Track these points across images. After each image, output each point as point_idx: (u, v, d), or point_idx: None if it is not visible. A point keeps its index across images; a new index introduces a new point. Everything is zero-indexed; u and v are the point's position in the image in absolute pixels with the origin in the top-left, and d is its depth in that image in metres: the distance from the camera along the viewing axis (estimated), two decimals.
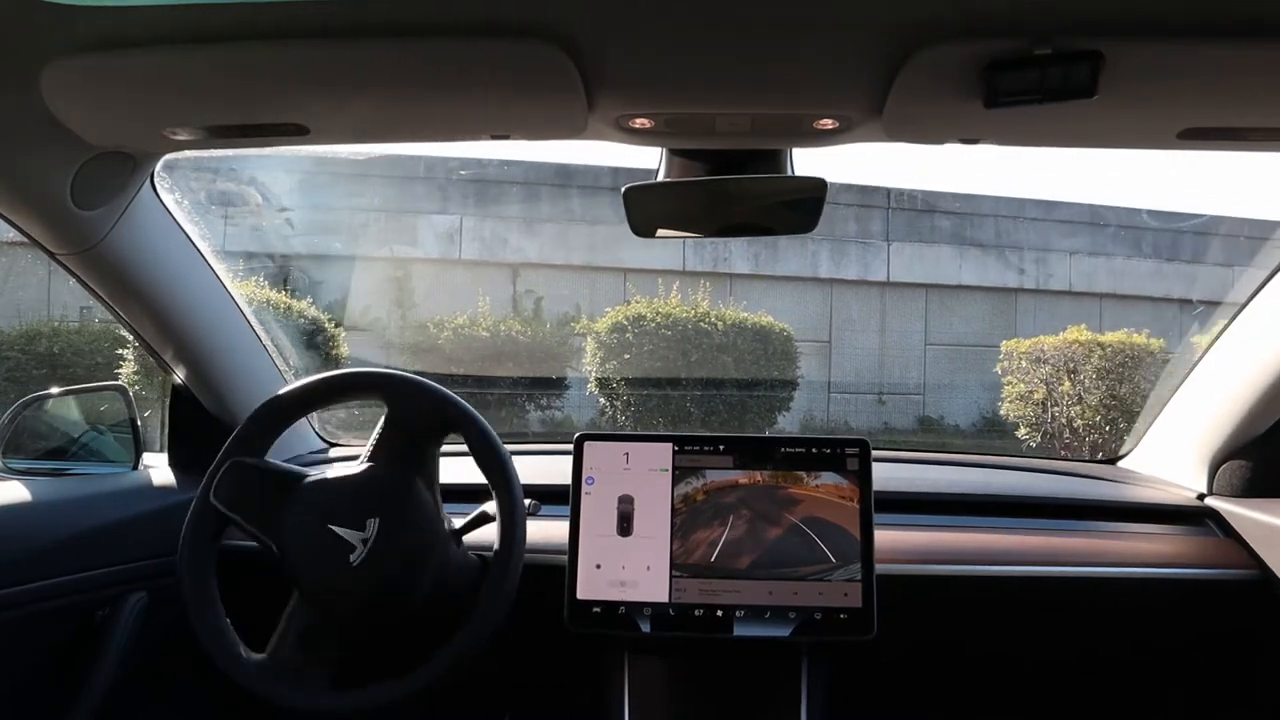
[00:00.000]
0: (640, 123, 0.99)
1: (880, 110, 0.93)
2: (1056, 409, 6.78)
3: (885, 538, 1.33)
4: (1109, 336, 6.92)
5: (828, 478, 1.31)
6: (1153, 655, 1.52)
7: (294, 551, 1.16)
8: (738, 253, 8.92)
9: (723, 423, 6.94)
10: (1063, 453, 6.63)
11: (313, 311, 6.61)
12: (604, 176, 8.84)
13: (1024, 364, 7.03)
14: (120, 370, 5.79)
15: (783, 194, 1.19)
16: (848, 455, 1.32)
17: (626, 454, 1.34)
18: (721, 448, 1.33)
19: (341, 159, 7.87)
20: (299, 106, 0.96)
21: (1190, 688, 1.54)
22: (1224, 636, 1.45)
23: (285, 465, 1.26)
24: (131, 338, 1.41)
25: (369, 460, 1.21)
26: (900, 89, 0.87)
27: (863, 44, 0.83)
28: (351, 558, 1.13)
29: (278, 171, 7.53)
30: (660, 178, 1.15)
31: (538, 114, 0.99)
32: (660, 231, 1.26)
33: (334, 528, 1.14)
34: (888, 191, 9.24)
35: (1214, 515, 1.47)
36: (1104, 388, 6.65)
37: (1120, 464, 1.73)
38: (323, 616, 1.16)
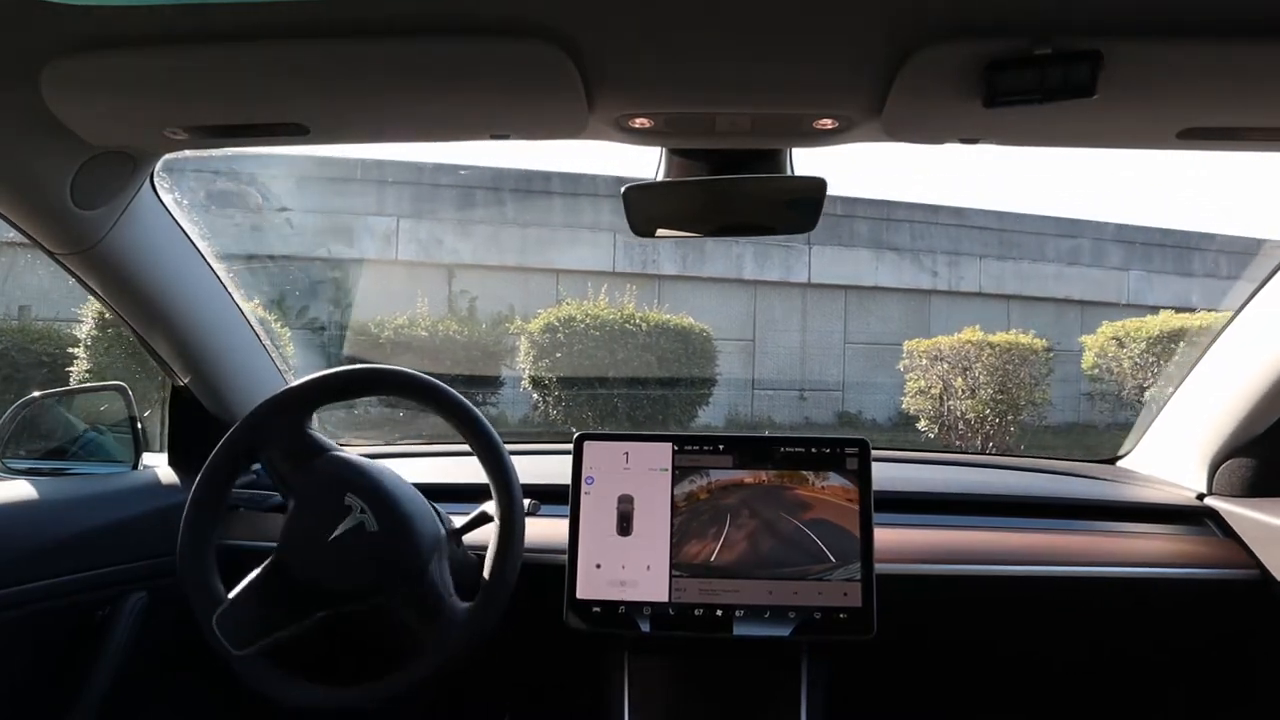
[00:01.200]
0: (640, 122, 0.99)
1: (880, 110, 0.93)
2: (952, 402, 7.27)
3: (885, 537, 1.33)
4: (997, 337, 7.50)
5: (827, 478, 1.31)
6: (1152, 654, 1.51)
7: (303, 507, 1.19)
8: (665, 255, 9.27)
9: (647, 417, 7.27)
10: (957, 442, 7.16)
11: (260, 313, 6.81)
12: (537, 180, 9.15)
13: (924, 362, 7.57)
14: (70, 370, 5.80)
15: (782, 194, 1.19)
16: (847, 455, 1.32)
17: (626, 454, 1.34)
18: (721, 447, 1.34)
19: (278, 160, 7.97)
20: (299, 106, 0.95)
21: (1189, 687, 1.53)
22: (1223, 636, 1.44)
23: (315, 436, 1.28)
24: (133, 337, 1.44)
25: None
26: (900, 89, 0.87)
27: (862, 43, 0.83)
28: (346, 528, 1.16)
29: (218, 174, 7.63)
30: (660, 177, 1.15)
31: (538, 114, 0.98)
32: (660, 231, 1.26)
33: (347, 496, 1.18)
34: None
35: (1213, 515, 1.47)
36: (993, 383, 7.18)
37: (1120, 464, 1.73)
38: (320, 605, 1.17)
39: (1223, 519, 1.45)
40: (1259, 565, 1.35)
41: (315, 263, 8.26)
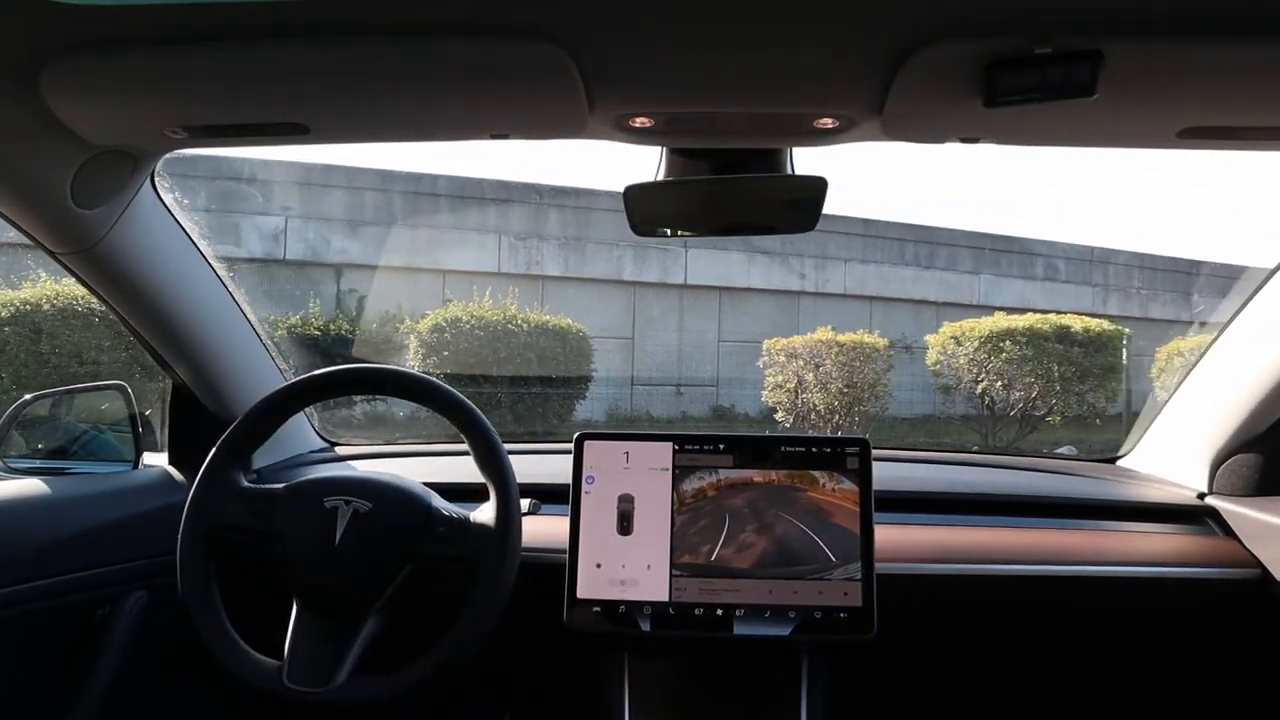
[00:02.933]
0: (640, 122, 0.99)
1: (880, 109, 0.93)
2: (805, 395, 7.95)
3: (885, 537, 1.32)
4: (845, 336, 8.29)
5: (828, 477, 1.31)
6: (1152, 654, 1.51)
7: (287, 527, 1.20)
8: (549, 256, 9.72)
9: (528, 410, 7.66)
10: (810, 431, 7.80)
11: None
12: (425, 182, 9.43)
13: (781, 359, 8.30)
14: None
15: (783, 193, 1.19)
16: (848, 454, 1.32)
17: (626, 453, 1.34)
18: (721, 447, 1.33)
19: (167, 160, 8.01)
20: (299, 106, 0.95)
21: (1190, 686, 1.53)
22: (1224, 635, 1.44)
23: (261, 488, 1.27)
24: (132, 336, 1.43)
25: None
26: (900, 88, 0.87)
27: (862, 43, 0.82)
28: (340, 528, 1.17)
29: None
30: (660, 177, 1.14)
31: (537, 113, 0.98)
32: (660, 230, 1.26)
33: (327, 500, 1.19)
34: None
35: (1214, 514, 1.46)
36: (841, 378, 7.91)
37: (1120, 463, 1.73)
38: (315, 604, 1.18)
39: (1223, 518, 1.45)
40: (1259, 564, 1.35)
41: None
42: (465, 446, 1.23)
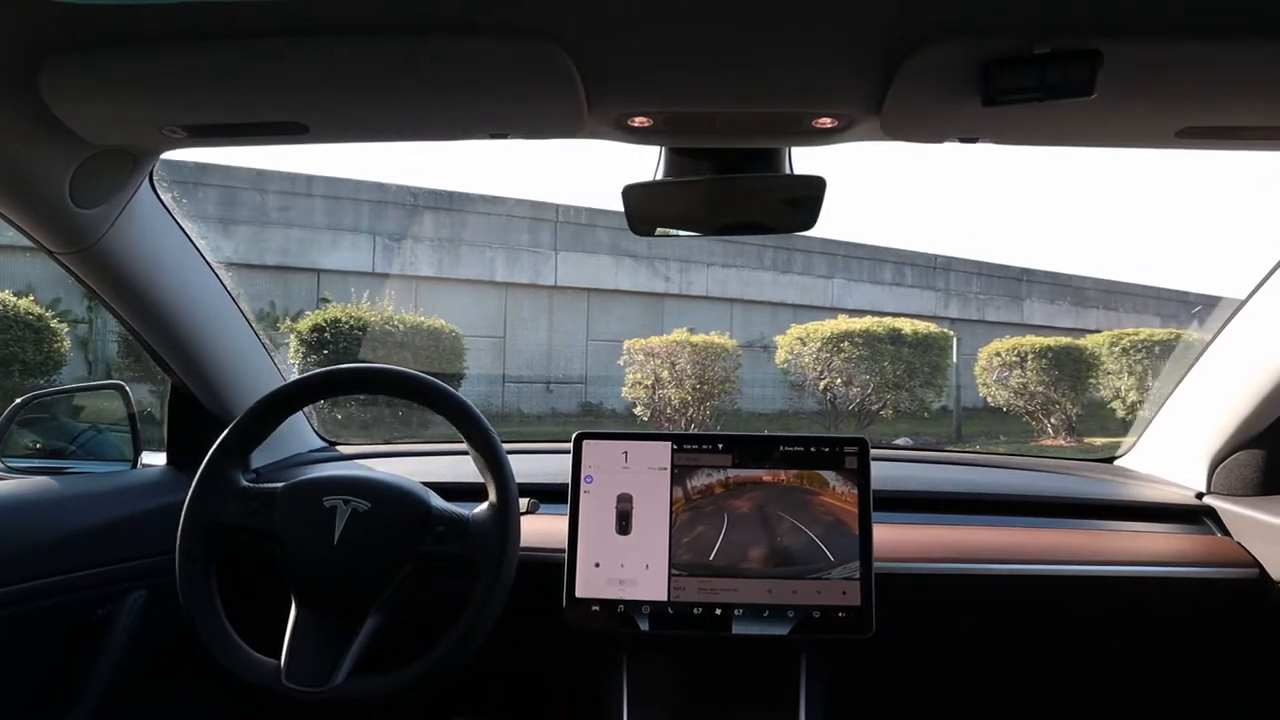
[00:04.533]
0: (639, 121, 0.99)
1: (879, 109, 0.93)
2: (662, 391, 8.54)
3: (883, 536, 1.32)
4: (698, 337, 8.93)
5: (826, 476, 1.31)
6: (1151, 653, 1.51)
7: (285, 527, 1.20)
8: (423, 258, 9.98)
9: (405, 406, 7.96)
10: (667, 426, 8.37)
11: (37, 309, 6.89)
12: (299, 182, 9.55)
13: (640, 357, 8.85)
14: None
15: (782, 192, 1.18)
16: (846, 454, 1.32)
17: (625, 452, 1.34)
18: (720, 446, 1.33)
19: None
20: (298, 105, 0.95)
21: (1188, 685, 1.53)
22: (1222, 635, 1.44)
23: (260, 487, 1.26)
24: (130, 336, 1.43)
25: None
26: (899, 87, 0.87)
27: (861, 42, 0.82)
28: (339, 527, 1.17)
29: None
30: (659, 176, 1.14)
31: (536, 113, 0.98)
32: (660, 230, 1.25)
33: (326, 499, 1.19)
34: (556, 207, 10.88)
35: (1212, 514, 1.47)
36: (695, 376, 8.58)
37: (1118, 462, 1.73)
38: (315, 601, 1.18)
39: (1221, 518, 1.45)
40: (1257, 564, 1.35)
41: None
42: (464, 446, 1.23)
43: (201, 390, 1.51)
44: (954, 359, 10.00)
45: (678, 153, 1.13)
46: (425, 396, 1.25)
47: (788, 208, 1.21)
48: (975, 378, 9.99)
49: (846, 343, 9.01)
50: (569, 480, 1.33)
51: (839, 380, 9.06)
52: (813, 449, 1.33)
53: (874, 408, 9.16)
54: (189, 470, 1.27)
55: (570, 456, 1.34)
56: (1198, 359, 1.52)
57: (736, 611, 1.27)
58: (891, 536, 1.37)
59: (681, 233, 1.34)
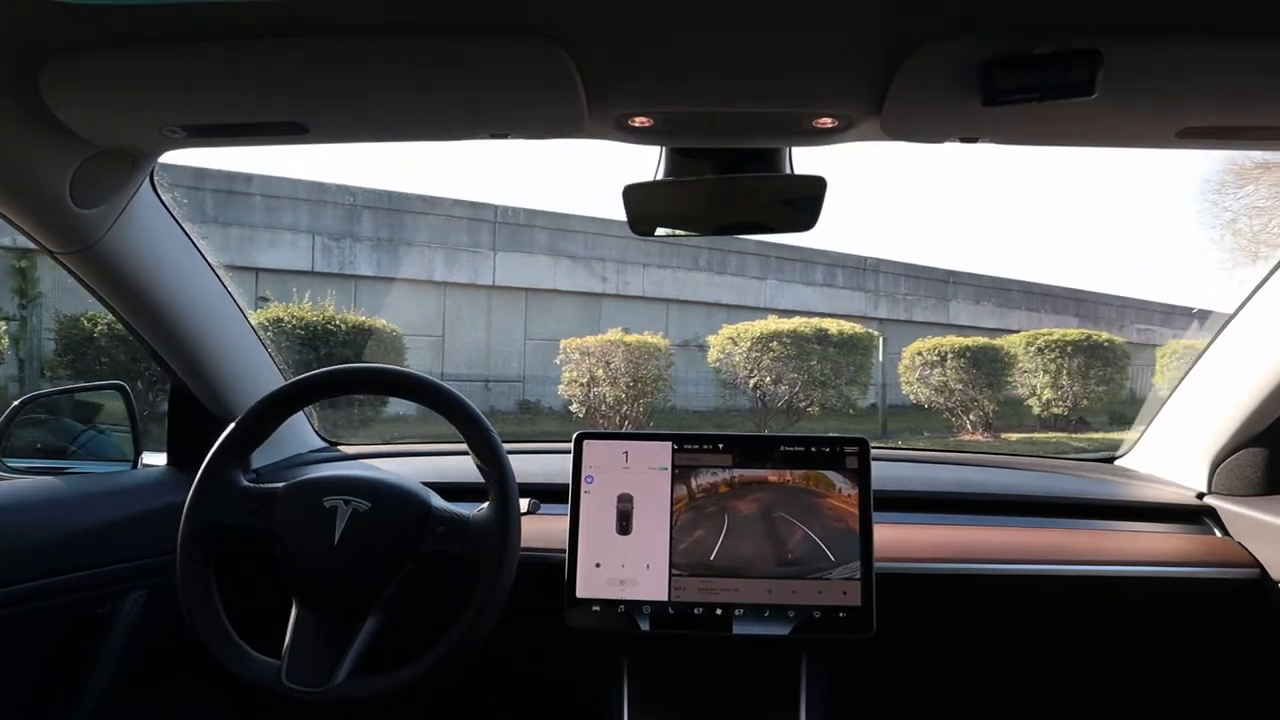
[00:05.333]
0: (639, 121, 0.99)
1: (879, 109, 0.93)
2: (597, 389, 8.80)
3: (884, 536, 1.32)
4: (631, 337, 9.17)
5: (827, 476, 1.31)
6: (1151, 653, 1.51)
7: (285, 527, 1.19)
8: (362, 257, 10.06)
9: (346, 403, 8.03)
10: (601, 423, 8.62)
11: None
12: (238, 181, 9.56)
13: (576, 356, 9.10)
14: None
15: (782, 192, 1.19)
16: (847, 454, 1.32)
17: (626, 452, 1.34)
18: (720, 446, 1.34)
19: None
20: (298, 106, 0.95)
21: (1188, 685, 1.53)
22: (1223, 635, 1.44)
23: (260, 487, 1.25)
24: (131, 336, 1.42)
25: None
26: (899, 87, 0.87)
27: (862, 42, 0.82)
28: (339, 527, 1.17)
29: None
30: (659, 176, 1.14)
31: (537, 113, 0.98)
32: (660, 230, 1.25)
33: (326, 500, 1.19)
34: (494, 208, 11.05)
35: (1213, 514, 1.47)
36: (628, 374, 8.91)
37: (1119, 462, 1.73)
38: (315, 601, 1.18)
39: (1222, 518, 1.45)
40: (1258, 564, 1.35)
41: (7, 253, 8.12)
42: (465, 446, 1.23)
43: (202, 390, 1.51)
44: (879, 358, 10.39)
45: (678, 153, 1.13)
46: (426, 396, 1.26)
47: (788, 208, 1.21)
48: (899, 376, 10.42)
49: (775, 342, 9.37)
50: (569, 480, 1.33)
51: (768, 378, 9.39)
52: (813, 449, 1.33)
53: (801, 405, 9.50)
54: (189, 470, 1.27)
55: (570, 456, 1.34)
56: (1198, 359, 1.51)
57: (737, 611, 1.27)
58: (892, 536, 1.37)
59: (681, 233, 1.33)
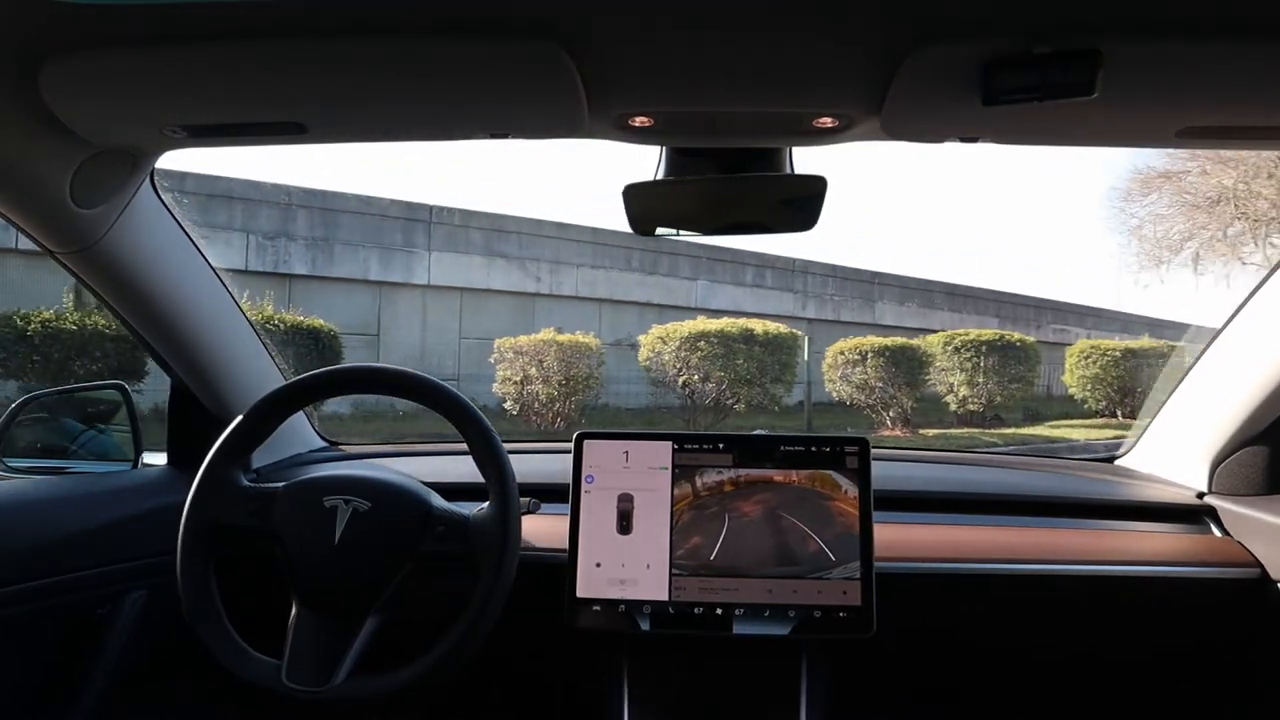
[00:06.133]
0: (639, 121, 0.99)
1: (879, 109, 0.93)
2: (530, 388, 9.03)
3: (884, 535, 1.32)
4: (564, 336, 9.43)
5: (827, 476, 1.31)
6: (1152, 652, 1.51)
7: (285, 528, 1.19)
8: (296, 256, 10.07)
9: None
10: (534, 420, 8.84)
11: None
12: (173, 179, 9.44)
13: (510, 355, 9.33)
14: None
15: (782, 192, 1.18)
16: (847, 454, 1.32)
17: (626, 452, 1.34)
18: (721, 446, 1.34)
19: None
20: (297, 105, 0.95)
21: (1188, 685, 1.53)
22: (1223, 635, 1.44)
23: (260, 487, 1.25)
24: (131, 335, 1.42)
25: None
26: (899, 87, 0.87)
27: (862, 41, 0.82)
28: (339, 527, 1.17)
29: None
30: (659, 176, 1.14)
31: (537, 113, 0.98)
32: (660, 230, 1.25)
33: (326, 499, 1.19)
34: (429, 208, 11.15)
35: (1213, 514, 1.47)
36: (560, 372, 9.16)
37: (1119, 462, 1.73)
38: (315, 601, 1.18)
39: (1222, 518, 1.45)
40: (1259, 564, 1.35)
41: None
42: (465, 446, 1.23)
43: (202, 390, 1.51)
44: (805, 357, 10.81)
45: (678, 152, 1.13)
46: (425, 396, 1.26)
47: (788, 207, 1.21)
48: (824, 374, 10.84)
49: (703, 342, 9.70)
50: (569, 480, 1.33)
51: (696, 377, 9.72)
52: (813, 449, 1.33)
53: (729, 402, 9.85)
54: (189, 470, 1.27)
55: (570, 456, 1.34)
56: (1199, 359, 1.51)
57: (737, 611, 1.27)
58: (892, 536, 1.37)
59: (682, 232, 1.31)
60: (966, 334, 11.62)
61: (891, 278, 15.10)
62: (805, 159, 1.14)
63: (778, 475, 1.32)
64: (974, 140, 1.00)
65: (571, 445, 1.35)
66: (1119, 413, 12.31)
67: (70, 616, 1.30)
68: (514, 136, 1.04)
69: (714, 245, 12.89)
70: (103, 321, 7.53)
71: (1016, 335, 11.93)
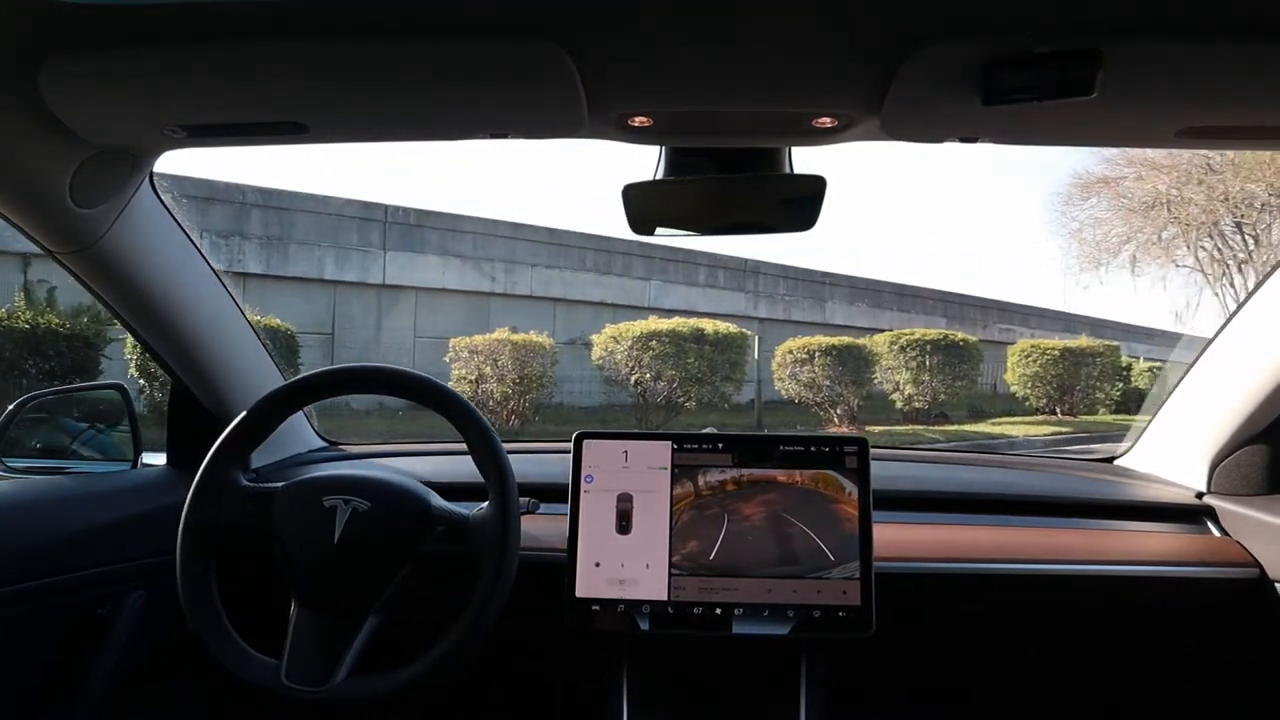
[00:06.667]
0: (639, 121, 0.99)
1: (879, 108, 0.93)
2: (485, 386, 9.20)
3: (883, 535, 1.32)
4: (518, 336, 9.61)
5: (827, 476, 1.31)
6: (1150, 652, 1.51)
7: (285, 529, 1.19)
8: (250, 255, 10.10)
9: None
10: (489, 418, 8.89)
11: None
12: None
13: (465, 354, 9.49)
14: None
15: (782, 192, 1.18)
16: (846, 454, 1.32)
17: (625, 452, 1.34)
18: (720, 446, 1.33)
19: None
20: (298, 105, 0.95)
21: (1187, 685, 1.53)
22: (1222, 634, 1.44)
23: (259, 487, 1.25)
24: (131, 335, 1.43)
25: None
26: (899, 87, 0.87)
27: (862, 41, 0.82)
28: (338, 527, 1.17)
29: None
30: (659, 176, 1.14)
31: (537, 113, 0.98)
32: (659, 230, 1.25)
33: (326, 499, 1.19)
34: (385, 207, 11.23)
35: (1212, 514, 1.47)
36: (514, 371, 9.36)
37: (1118, 462, 1.73)
38: (314, 601, 1.17)
39: (1221, 518, 1.45)
40: (1257, 564, 1.35)
41: None
42: (465, 446, 1.23)
43: (201, 390, 1.51)
44: (755, 356, 11.04)
45: (678, 152, 1.13)
46: (425, 396, 1.25)
47: (788, 207, 1.21)
48: (773, 373, 11.10)
49: (655, 341, 9.89)
50: (569, 480, 1.33)
51: (649, 375, 9.91)
52: (812, 449, 1.33)
53: (680, 400, 10.05)
54: (189, 470, 1.27)
55: (570, 456, 1.34)
56: (1198, 359, 1.51)
57: (736, 611, 1.27)
58: (891, 536, 1.37)
59: (681, 233, 1.31)
60: (912, 333, 11.94)
61: (842, 278, 15.43)
62: (804, 159, 1.14)
63: (777, 475, 1.32)
64: (973, 140, 1.00)
65: (571, 445, 1.35)
66: (1058, 410, 12.72)
67: (70, 616, 1.30)
68: (514, 136, 1.04)
69: (667, 245, 13.09)
70: (56, 320, 7.52)
71: (960, 335, 12.27)
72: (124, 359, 7.71)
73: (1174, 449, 1.60)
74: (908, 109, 0.93)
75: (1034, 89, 0.81)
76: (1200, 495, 1.51)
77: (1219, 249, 14.07)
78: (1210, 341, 1.48)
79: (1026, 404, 12.86)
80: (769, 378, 11.30)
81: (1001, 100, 0.83)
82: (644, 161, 1.15)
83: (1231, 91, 0.88)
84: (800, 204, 1.18)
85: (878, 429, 10.86)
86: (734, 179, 1.15)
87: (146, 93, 0.92)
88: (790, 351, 10.94)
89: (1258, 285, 1.36)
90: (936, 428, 11.21)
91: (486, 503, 1.20)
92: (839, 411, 10.99)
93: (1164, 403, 1.62)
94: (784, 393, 11.08)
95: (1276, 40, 0.78)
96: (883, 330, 12.93)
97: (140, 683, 1.40)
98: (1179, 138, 0.96)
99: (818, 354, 10.75)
